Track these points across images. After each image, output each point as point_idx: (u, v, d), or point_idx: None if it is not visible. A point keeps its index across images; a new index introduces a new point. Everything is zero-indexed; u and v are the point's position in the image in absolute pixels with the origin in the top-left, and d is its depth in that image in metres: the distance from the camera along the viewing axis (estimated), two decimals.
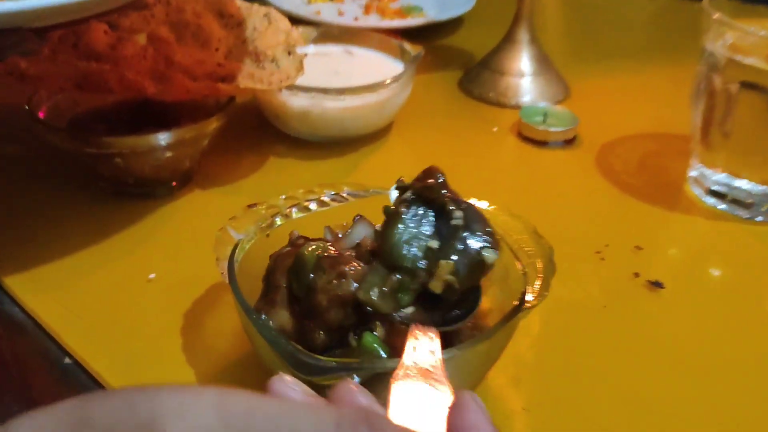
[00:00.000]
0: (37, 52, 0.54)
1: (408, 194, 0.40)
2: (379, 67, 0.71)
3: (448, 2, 0.98)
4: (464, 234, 0.38)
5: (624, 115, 0.75)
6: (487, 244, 0.38)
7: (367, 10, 0.97)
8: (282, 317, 0.37)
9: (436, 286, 0.37)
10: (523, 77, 0.76)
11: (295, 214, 0.46)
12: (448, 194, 0.40)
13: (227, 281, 0.39)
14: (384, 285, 0.37)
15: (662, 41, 0.99)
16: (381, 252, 0.38)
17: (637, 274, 0.51)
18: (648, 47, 0.97)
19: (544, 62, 0.78)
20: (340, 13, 0.96)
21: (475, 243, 0.37)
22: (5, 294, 0.49)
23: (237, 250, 0.41)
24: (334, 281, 0.36)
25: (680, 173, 0.64)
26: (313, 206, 0.47)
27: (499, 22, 0.95)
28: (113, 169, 0.54)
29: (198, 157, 0.58)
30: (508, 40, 0.78)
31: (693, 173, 0.62)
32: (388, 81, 0.64)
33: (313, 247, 0.38)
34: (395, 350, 0.38)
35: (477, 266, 0.37)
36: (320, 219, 0.46)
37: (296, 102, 0.63)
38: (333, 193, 0.47)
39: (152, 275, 0.50)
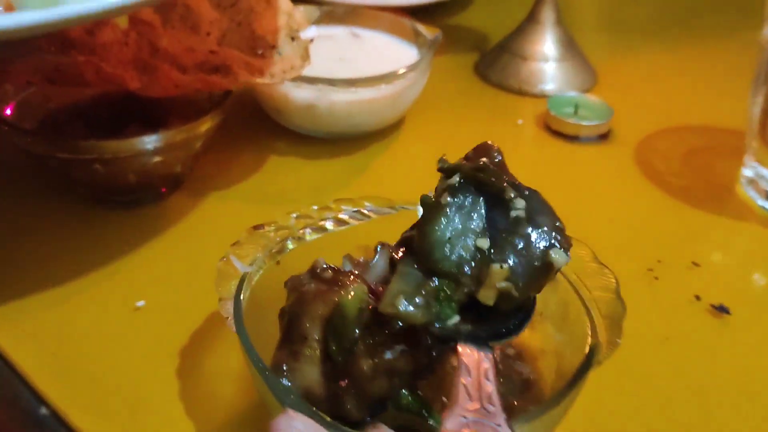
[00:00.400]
0: None
1: (455, 178, 0.32)
2: (390, 52, 0.63)
3: None
4: (527, 229, 0.30)
5: (662, 104, 0.69)
6: (556, 243, 0.30)
7: None
8: (310, 376, 0.30)
9: (487, 297, 0.29)
10: (548, 62, 0.69)
11: (308, 235, 0.39)
12: (507, 178, 0.32)
13: (233, 329, 0.32)
14: (418, 293, 0.29)
15: (703, 15, 0.91)
16: (418, 252, 0.31)
17: (698, 297, 0.45)
18: (685, 22, 0.89)
19: (570, 46, 0.70)
20: None
21: (540, 241, 0.30)
22: None
23: (243, 287, 0.34)
24: (382, 347, 0.29)
25: (731, 173, 0.57)
26: (329, 225, 0.40)
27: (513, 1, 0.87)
28: (92, 175, 0.47)
29: (190, 161, 0.51)
30: (530, 21, 0.70)
31: (747, 173, 0.55)
32: (403, 70, 0.56)
33: (354, 295, 0.31)
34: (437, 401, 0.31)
35: (541, 271, 0.30)
36: (338, 240, 0.39)
37: (300, 94, 0.55)
38: (353, 209, 0.40)
39: (141, 302, 0.43)
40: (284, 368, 0.30)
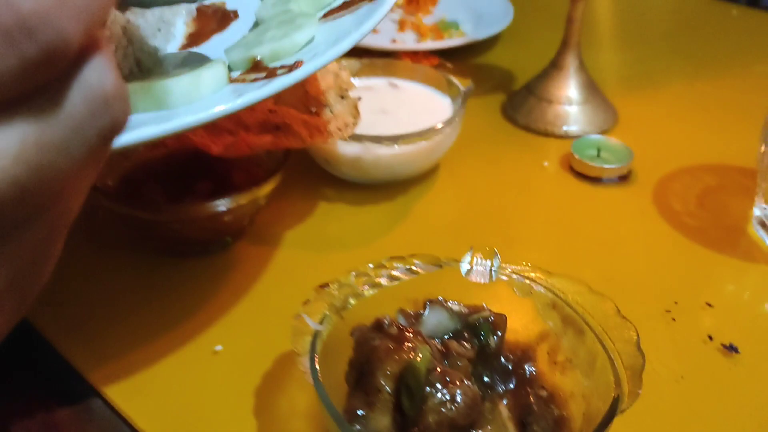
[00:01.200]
0: None
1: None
2: (427, 102, 0.69)
3: (484, 17, 0.96)
4: None
5: (680, 143, 0.74)
6: None
7: (401, 26, 0.95)
8: (382, 424, 0.36)
9: None
10: (571, 105, 0.75)
11: (366, 291, 0.45)
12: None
13: (310, 381, 0.38)
14: None
15: (717, 58, 0.95)
16: None
17: (710, 337, 0.50)
18: (703, 60, 0.94)
19: (592, 89, 0.76)
20: (375, 31, 0.94)
21: None
22: (72, 370, 0.48)
23: (317, 343, 0.40)
24: (447, 404, 0.35)
25: (744, 213, 0.62)
26: (384, 281, 0.46)
27: (535, 38, 0.93)
28: (169, 232, 0.53)
29: (254, 215, 0.57)
30: (554, 67, 0.76)
31: (758, 213, 0.61)
32: (440, 125, 0.62)
33: (422, 357, 0.37)
34: None
35: None
36: (392, 295, 0.45)
37: (348, 149, 0.62)
38: (404, 267, 0.46)
39: (219, 347, 0.49)
40: (359, 414, 0.37)
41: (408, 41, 0.90)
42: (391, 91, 0.71)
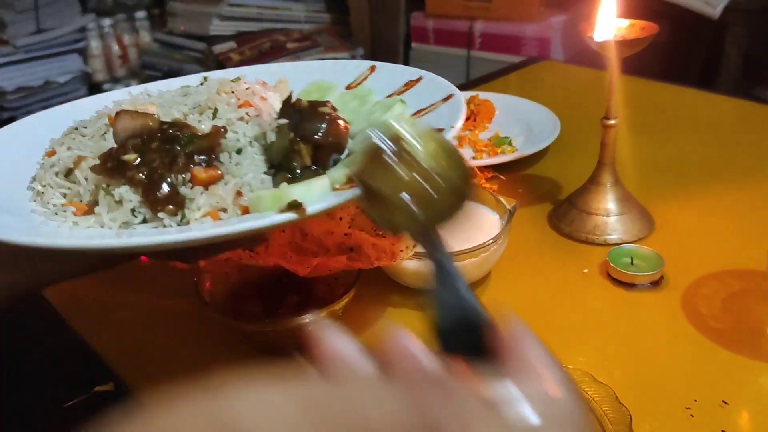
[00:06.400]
0: None
1: None
2: (478, 219, 0.80)
3: (534, 131, 1.08)
4: None
5: (709, 249, 0.82)
6: None
7: (460, 142, 1.07)
8: None
9: None
10: (609, 216, 0.84)
11: None
12: None
13: None
14: None
15: (750, 161, 1.04)
16: None
17: None
18: (735, 168, 1.03)
19: (628, 201, 0.86)
20: None
21: None
22: None
23: None
24: None
25: (765, 315, 0.70)
26: None
27: (580, 150, 1.04)
28: (266, 339, 0.66)
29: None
30: (592, 183, 0.86)
31: None
32: (490, 241, 0.73)
33: None
34: None
35: None
36: None
37: (410, 264, 0.73)
38: None
39: None
40: None
41: (465, 156, 1.03)
42: None
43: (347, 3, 2.62)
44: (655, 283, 0.76)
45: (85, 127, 0.64)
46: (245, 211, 0.56)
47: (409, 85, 0.70)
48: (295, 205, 0.49)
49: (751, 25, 1.97)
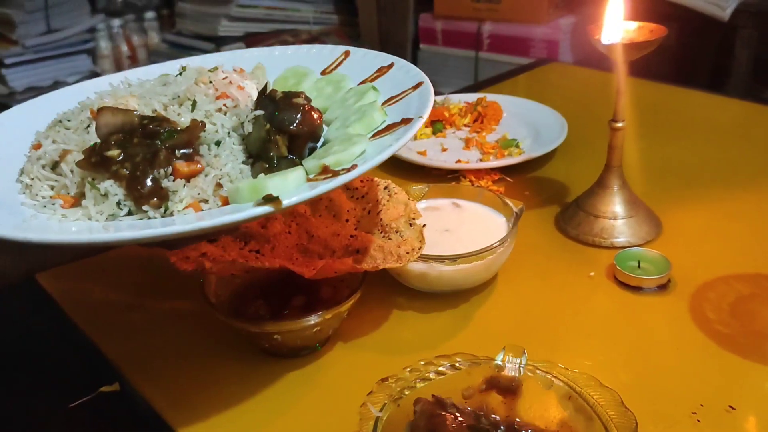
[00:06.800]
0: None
1: None
2: (485, 221, 0.80)
3: (543, 134, 1.07)
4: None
5: (718, 253, 0.81)
6: None
7: (467, 144, 1.07)
8: None
9: None
10: (616, 219, 0.84)
11: (418, 384, 0.55)
12: None
13: None
14: None
15: (757, 165, 1.04)
16: None
17: None
18: (742, 172, 1.02)
19: (635, 204, 0.85)
20: (444, 149, 1.06)
21: None
22: None
23: (377, 426, 0.51)
24: None
25: None
26: (432, 375, 0.56)
27: (587, 153, 1.03)
28: (270, 341, 0.66)
29: (338, 325, 0.69)
30: (600, 186, 0.86)
31: None
32: (496, 244, 0.73)
33: None
34: None
35: None
36: (439, 386, 0.55)
37: (416, 266, 0.73)
38: (448, 364, 0.57)
39: None
40: None
41: (472, 159, 1.03)
42: (454, 210, 0.83)
43: (356, 4, 2.62)
44: (663, 287, 0.76)
45: (69, 120, 0.66)
46: (225, 201, 0.59)
47: (382, 71, 0.74)
48: (271, 199, 0.52)
49: (761, 27, 1.96)
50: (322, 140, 0.68)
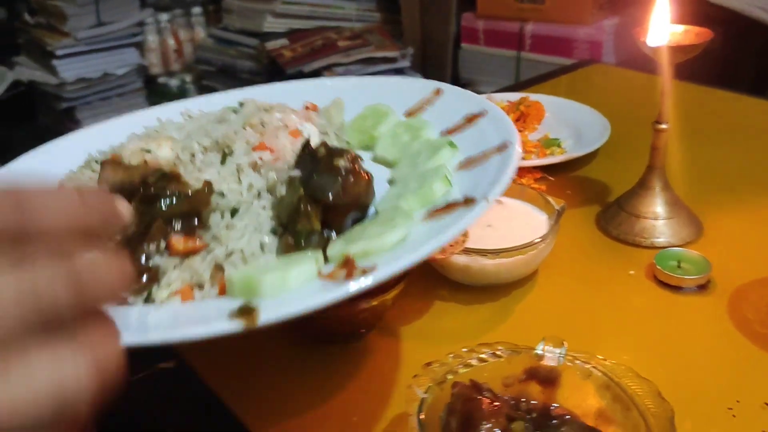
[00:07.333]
0: None
1: None
2: (527, 218, 0.82)
3: (585, 134, 1.09)
4: None
5: (758, 255, 0.82)
6: None
7: None
8: None
9: None
10: (658, 220, 0.85)
11: (461, 369, 0.58)
12: None
13: None
14: None
15: None
16: None
17: None
18: None
19: (677, 206, 0.86)
20: None
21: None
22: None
23: (423, 407, 0.53)
24: None
25: None
26: (474, 362, 0.59)
27: (629, 154, 1.05)
28: (319, 326, 0.69)
29: (383, 313, 0.72)
30: (642, 186, 0.87)
31: None
32: (537, 240, 0.75)
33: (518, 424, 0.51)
34: None
35: None
36: (480, 372, 0.58)
37: (459, 259, 0.76)
38: (490, 351, 0.59)
39: (355, 418, 0.63)
40: None
41: None
42: (497, 206, 0.85)
43: (398, 2, 2.65)
44: (702, 287, 0.77)
45: (97, 162, 0.62)
46: (222, 289, 0.49)
47: (470, 120, 0.65)
48: (246, 311, 0.41)
49: None
50: (373, 208, 0.58)
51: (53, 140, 0.70)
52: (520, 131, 1.13)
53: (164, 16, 2.87)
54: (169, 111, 0.74)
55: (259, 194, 0.54)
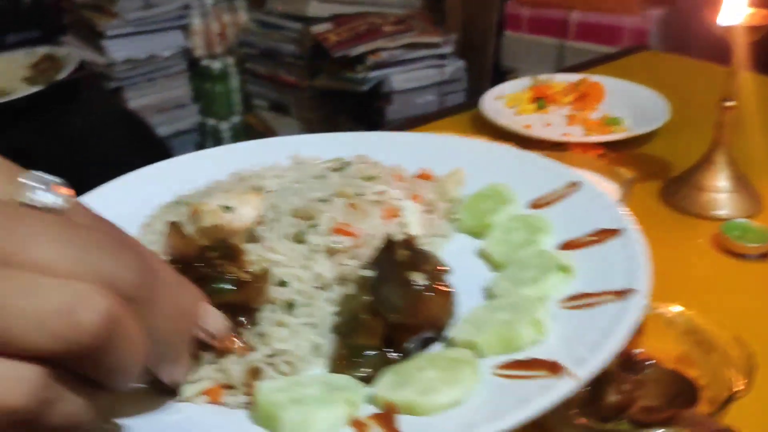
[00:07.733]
0: None
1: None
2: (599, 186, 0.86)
3: (647, 113, 1.12)
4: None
5: None
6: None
7: (570, 120, 1.13)
8: None
9: None
10: (721, 193, 0.89)
11: None
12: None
13: None
14: None
15: None
16: None
17: None
18: None
19: (740, 180, 0.90)
20: (548, 125, 1.13)
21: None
22: None
23: None
24: None
25: None
26: None
27: (690, 132, 1.08)
28: None
29: None
30: (707, 161, 0.91)
31: None
32: None
33: None
34: None
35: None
36: None
37: None
38: None
39: None
40: None
41: (576, 134, 1.09)
42: None
43: None
44: (765, 255, 0.81)
45: (180, 203, 0.58)
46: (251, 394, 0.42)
47: (600, 236, 0.53)
48: None
49: None
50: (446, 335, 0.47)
51: (138, 170, 0.66)
52: (580, 110, 1.17)
53: (209, 0, 2.93)
54: (272, 144, 0.69)
55: (325, 286, 0.47)
